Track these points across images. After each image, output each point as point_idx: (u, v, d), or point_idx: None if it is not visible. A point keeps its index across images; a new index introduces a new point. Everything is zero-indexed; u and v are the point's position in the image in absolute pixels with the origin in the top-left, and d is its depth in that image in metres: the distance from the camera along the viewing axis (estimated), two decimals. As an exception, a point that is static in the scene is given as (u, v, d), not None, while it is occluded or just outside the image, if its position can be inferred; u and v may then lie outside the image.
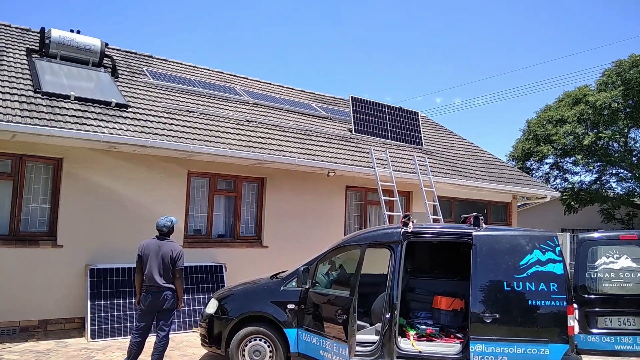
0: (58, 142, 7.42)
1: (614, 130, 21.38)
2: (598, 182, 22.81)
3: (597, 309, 6.09)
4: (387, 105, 13.38)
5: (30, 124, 6.93)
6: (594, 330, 6.03)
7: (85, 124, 7.51)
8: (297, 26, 64.37)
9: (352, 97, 12.72)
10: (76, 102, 8.11)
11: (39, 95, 7.89)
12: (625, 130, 21.39)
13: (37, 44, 9.96)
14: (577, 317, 5.79)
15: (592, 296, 6.14)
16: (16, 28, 10.84)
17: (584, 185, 23.07)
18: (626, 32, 44.85)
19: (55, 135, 7.05)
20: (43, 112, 7.41)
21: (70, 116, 7.58)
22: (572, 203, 22.37)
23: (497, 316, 5.09)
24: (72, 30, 9.84)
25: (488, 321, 5.09)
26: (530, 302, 5.11)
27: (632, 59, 20.03)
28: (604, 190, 22.73)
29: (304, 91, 15.07)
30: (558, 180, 24.21)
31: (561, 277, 5.15)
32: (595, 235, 6.45)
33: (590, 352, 5.97)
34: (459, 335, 6.01)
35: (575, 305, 5.61)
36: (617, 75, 20.38)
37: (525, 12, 56.12)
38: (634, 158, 21.89)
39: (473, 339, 5.10)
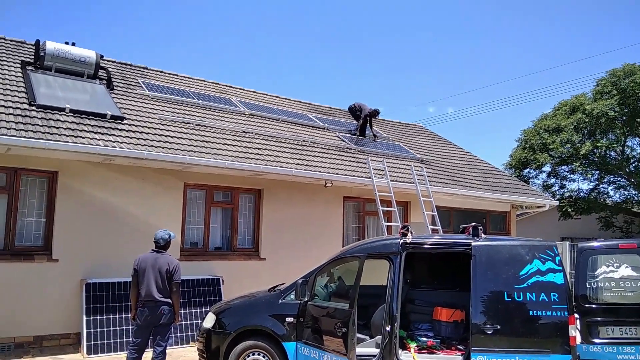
0: (53, 155, 7.36)
1: (610, 139, 21.48)
2: (596, 190, 22.87)
3: (598, 318, 6.05)
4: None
5: (25, 137, 6.89)
6: (596, 340, 5.99)
7: (80, 136, 7.47)
8: (291, 37, 64.68)
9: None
10: (71, 114, 8.07)
11: (34, 108, 7.85)
12: (622, 139, 21.48)
13: (32, 57, 9.92)
14: (578, 327, 5.75)
15: (594, 306, 6.10)
16: (11, 41, 10.83)
17: (582, 194, 23.12)
18: (619, 41, 45.19)
19: (50, 148, 7.02)
20: (38, 125, 7.37)
21: (65, 129, 7.54)
22: (570, 210, 22.40)
23: (499, 327, 5.03)
24: (67, 43, 9.84)
25: (489, 332, 5.02)
26: (531, 312, 5.06)
27: (625, 68, 20.16)
28: (602, 199, 22.78)
29: (300, 102, 15.07)
30: (556, 188, 24.25)
31: (562, 286, 5.10)
32: (595, 244, 6.44)
33: (593, 363, 5.92)
34: (460, 347, 5.93)
35: (576, 315, 5.57)
36: (612, 85, 20.49)
37: (516, 22, 56.51)
38: (631, 166, 21.98)
39: (474, 350, 5.03)
